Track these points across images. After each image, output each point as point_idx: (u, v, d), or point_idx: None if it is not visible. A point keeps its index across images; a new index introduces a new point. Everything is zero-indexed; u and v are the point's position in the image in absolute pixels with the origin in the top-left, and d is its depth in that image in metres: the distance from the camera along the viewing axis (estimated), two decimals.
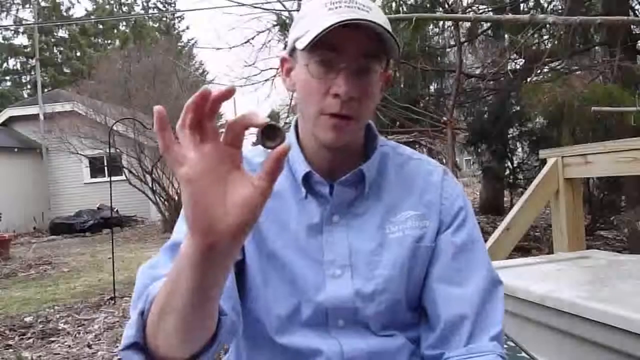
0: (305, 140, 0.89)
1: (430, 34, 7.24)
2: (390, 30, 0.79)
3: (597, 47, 6.49)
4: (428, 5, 6.49)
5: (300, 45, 0.80)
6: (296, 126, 0.92)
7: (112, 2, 28.24)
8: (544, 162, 3.19)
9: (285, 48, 0.87)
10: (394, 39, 0.79)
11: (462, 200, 0.91)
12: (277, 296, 0.86)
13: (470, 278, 0.86)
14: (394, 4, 6.73)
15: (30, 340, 3.82)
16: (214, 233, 0.51)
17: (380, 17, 0.79)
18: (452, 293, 0.86)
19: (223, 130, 0.54)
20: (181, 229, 0.83)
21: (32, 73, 24.00)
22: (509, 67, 6.56)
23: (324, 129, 0.82)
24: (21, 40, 26.09)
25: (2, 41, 25.29)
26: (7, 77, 26.30)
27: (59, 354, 3.50)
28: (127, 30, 27.29)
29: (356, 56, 0.79)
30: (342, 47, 0.79)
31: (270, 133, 0.53)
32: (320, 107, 0.81)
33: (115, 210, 10.74)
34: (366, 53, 0.80)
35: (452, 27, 6.20)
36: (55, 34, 26.54)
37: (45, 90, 18.53)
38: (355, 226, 0.87)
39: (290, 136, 0.91)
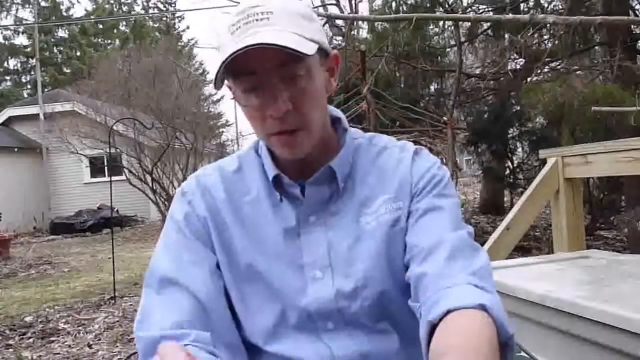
0: None
1: (430, 34, 7.25)
2: (296, 29, 0.75)
3: (597, 47, 6.50)
4: (428, 5, 6.50)
5: (213, 84, 0.78)
6: None
7: (112, 2, 28.24)
8: (544, 162, 3.19)
9: None
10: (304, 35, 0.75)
11: (436, 169, 0.86)
12: (259, 307, 0.85)
13: (434, 235, 0.79)
14: (394, 4, 6.74)
15: (30, 340, 3.82)
16: None
17: (283, 17, 0.76)
18: (417, 245, 0.80)
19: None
20: (162, 261, 0.84)
21: (32, 73, 24.02)
22: (509, 67, 6.57)
23: (278, 148, 0.82)
24: (21, 40, 26.12)
25: (2, 41, 25.30)
26: (7, 77, 26.30)
27: (59, 353, 3.50)
28: (127, 30, 27.30)
29: (272, 70, 0.75)
30: (256, 67, 0.75)
31: None
32: (264, 130, 0.80)
33: (115, 210, 10.75)
34: (281, 62, 0.75)
35: (452, 27, 6.20)
36: (55, 33, 26.54)
37: (45, 90, 18.53)
38: (333, 224, 0.85)
39: (261, 142, 0.90)
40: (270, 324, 0.84)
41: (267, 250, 0.85)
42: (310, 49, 0.75)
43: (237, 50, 0.72)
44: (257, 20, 0.75)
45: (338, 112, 0.92)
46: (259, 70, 0.76)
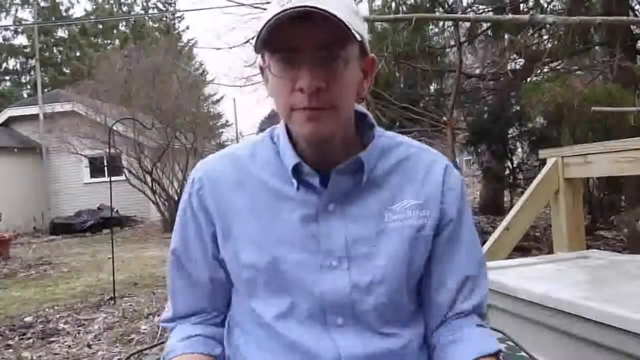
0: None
1: (430, 34, 7.24)
2: (345, 16, 0.73)
3: (597, 47, 6.49)
4: (428, 5, 6.50)
5: (253, 48, 0.78)
6: None
7: (112, 2, 28.22)
8: (544, 162, 3.19)
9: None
10: (352, 22, 0.74)
11: (461, 188, 0.92)
12: (266, 300, 0.85)
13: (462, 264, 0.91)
14: (393, 4, 6.74)
15: (30, 340, 3.82)
16: None
17: (336, 2, 0.74)
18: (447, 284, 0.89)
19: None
20: (175, 238, 0.95)
21: (32, 73, 24.00)
22: (509, 67, 6.56)
23: (300, 124, 0.80)
24: (21, 40, 26.09)
25: (2, 41, 25.28)
26: (7, 77, 26.29)
27: (58, 354, 3.50)
28: (127, 30, 27.27)
29: (315, 49, 0.75)
30: (299, 44, 0.75)
31: None
32: (290, 104, 0.79)
33: (115, 210, 10.74)
34: (324, 44, 0.75)
35: (452, 27, 6.20)
36: (55, 34, 26.52)
37: (45, 90, 18.51)
38: (352, 214, 0.85)
39: (280, 129, 0.89)
40: (279, 313, 0.84)
41: (282, 237, 0.84)
42: (356, 36, 0.75)
43: (290, 8, 0.71)
44: None
45: (363, 109, 0.92)
46: (302, 46, 0.75)
